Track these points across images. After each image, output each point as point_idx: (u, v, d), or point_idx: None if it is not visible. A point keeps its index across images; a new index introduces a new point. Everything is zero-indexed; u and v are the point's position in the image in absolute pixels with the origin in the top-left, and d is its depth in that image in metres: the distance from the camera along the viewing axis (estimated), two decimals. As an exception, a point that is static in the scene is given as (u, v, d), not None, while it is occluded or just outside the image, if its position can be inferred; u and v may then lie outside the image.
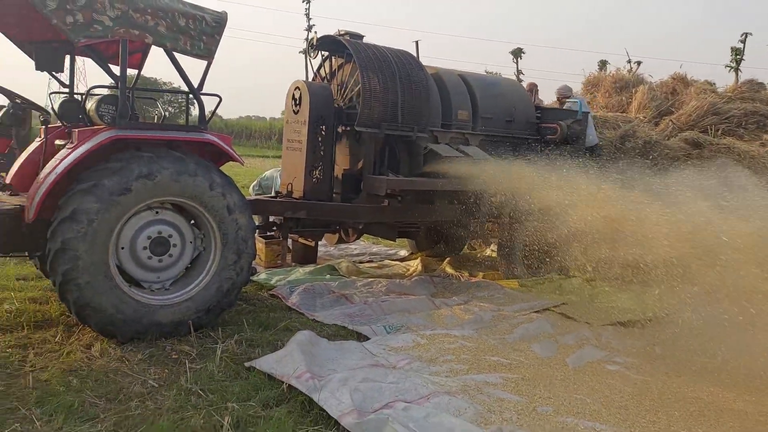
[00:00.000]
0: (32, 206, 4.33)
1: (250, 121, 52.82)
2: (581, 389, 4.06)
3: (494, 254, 8.80)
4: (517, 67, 50.58)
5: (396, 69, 6.22)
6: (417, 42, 7.20)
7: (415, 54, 6.80)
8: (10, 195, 4.93)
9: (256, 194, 7.87)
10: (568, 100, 8.13)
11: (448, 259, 7.88)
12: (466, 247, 8.78)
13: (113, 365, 4.08)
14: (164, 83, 39.37)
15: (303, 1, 43.57)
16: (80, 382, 3.77)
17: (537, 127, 7.46)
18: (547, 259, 7.17)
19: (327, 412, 3.46)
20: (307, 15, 43.86)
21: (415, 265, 7.80)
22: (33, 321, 4.89)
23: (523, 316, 5.64)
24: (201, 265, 4.94)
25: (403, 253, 8.83)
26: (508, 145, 7.09)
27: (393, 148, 6.53)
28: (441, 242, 8.35)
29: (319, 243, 7.53)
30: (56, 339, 4.52)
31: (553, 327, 5.38)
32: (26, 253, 5.34)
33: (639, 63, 19.45)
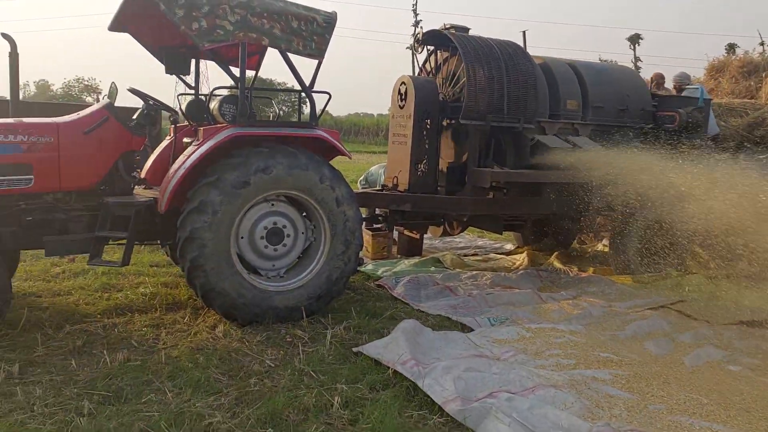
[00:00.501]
0: (164, 198, 4.76)
1: (359, 118, 54.03)
2: (699, 389, 3.86)
3: (606, 249, 8.50)
4: (635, 54, 47.94)
5: (501, 60, 6.17)
6: (524, 32, 7.10)
7: (522, 45, 6.70)
8: (144, 189, 5.42)
9: (362, 188, 8.10)
10: (687, 87, 7.66)
11: (556, 253, 7.70)
12: (575, 241, 8.52)
13: (234, 345, 4.41)
14: (279, 83, 41.19)
15: (410, -4, 43.82)
16: (206, 360, 4.10)
17: (653, 116, 7.09)
18: (664, 255, 6.81)
19: (431, 398, 3.54)
20: (414, 11, 44.07)
21: (522, 258, 7.69)
22: (165, 303, 5.37)
23: (636, 312, 5.42)
24: (312, 255, 5.20)
25: (509, 246, 8.73)
26: (621, 135, 6.80)
27: (498, 139, 6.48)
28: (548, 236, 8.16)
29: (425, 236, 7.64)
30: (185, 320, 4.95)
31: (669, 325, 5.13)
32: (158, 242, 5.87)
33: (774, 44, 17.74)
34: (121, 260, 4.76)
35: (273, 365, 4.08)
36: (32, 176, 4.60)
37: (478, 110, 6.04)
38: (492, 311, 5.41)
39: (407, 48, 44.04)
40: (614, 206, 6.55)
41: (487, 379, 3.77)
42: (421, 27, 7.41)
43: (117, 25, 5.44)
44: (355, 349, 4.35)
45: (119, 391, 3.60)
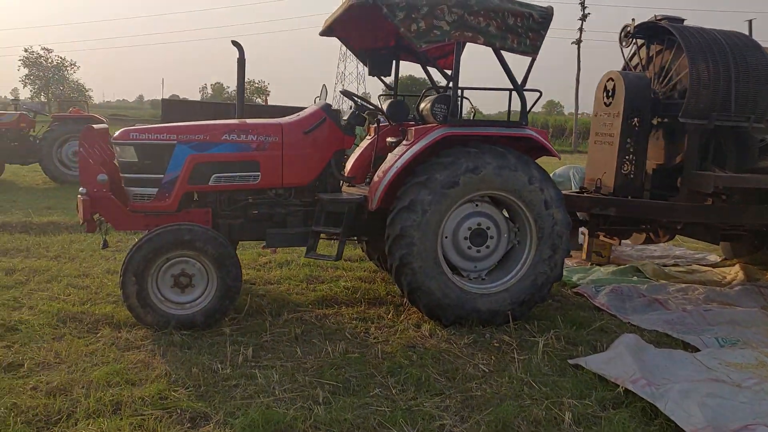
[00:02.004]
0: (375, 196, 4.87)
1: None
2: None
3: (835, 266, 7.40)
4: None
5: (728, 52, 5.55)
6: (750, 21, 6.35)
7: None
8: (350, 186, 5.62)
9: None
10: None
11: (775, 268, 6.84)
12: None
13: (443, 346, 4.39)
14: (422, 81, 41.38)
15: (577, -11, 42.04)
16: (419, 358, 4.13)
17: None
18: None
19: (674, 423, 3.24)
20: (582, 3, 42.15)
21: (734, 272, 6.92)
22: (366, 298, 5.53)
23: None
24: (515, 258, 5.05)
25: (714, 258, 7.90)
26: None
27: (719, 140, 5.85)
28: (765, 248, 7.26)
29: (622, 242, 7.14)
30: (389, 316, 5.04)
31: None
32: (356, 237, 6.06)
33: None
34: (336, 254, 4.97)
35: (487, 371, 3.99)
36: (259, 173, 4.94)
37: (701, 108, 5.49)
38: (715, 330, 4.90)
39: (573, 43, 42.23)
40: None
41: (737, 409, 3.37)
42: (633, 19, 6.94)
43: (329, 31, 5.69)
44: (571, 361, 4.13)
45: (347, 383, 3.72)
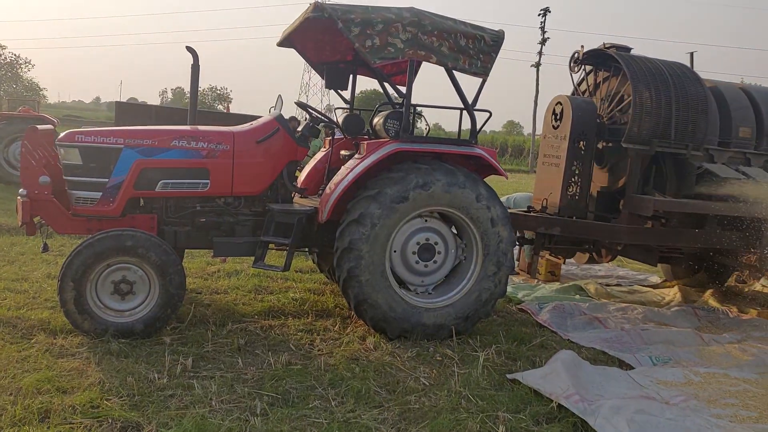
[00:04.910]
0: (326, 209, 4.89)
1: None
2: None
3: (766, 289, 7.75)
4: (786, 78, 44.02)
5: (670, 82, 5.81)
6: (692, 53, 6.66)
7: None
8: (301, 197, 5.62)
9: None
10: None
11: (710, 290, 7.12)
12: (731, 278, 7.83)
13: (386, 359, 4.42)
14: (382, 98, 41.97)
15: (539, 15, 43.22)
16: (362, 371, 4.14)
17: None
18: None
19: (603, 439, 3.34)
20: (542, 28, 43.35)
21: (672, 293, 7.18)
22: (314, 310, 5.52)
23: (818, 366, 4.85)
24: (461, 274, 5.13)
25: (655, 279, 8.18)
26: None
27: (660, 166, 6.10)
28: (702, 271, 7.57)
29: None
30: (335, 328, 5.05)
31: None
32: (307, 249, 6.06)
33: None
34: (284, 265, 4.95)
35: (428, 384, 4.04)
36: (208, 180, 4.91)
37: (643, 134, 5.72)
38: (650, 349, 5.07)
39: (532, 66, 43.31)
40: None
41: (662, 425, 3.50)
42: (582, 46, 7.21)
43: (286, 42, 5.71)
44: (509, 376, 4.21)
45: (286, 394, 3.71)
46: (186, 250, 6.36)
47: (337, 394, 3.77)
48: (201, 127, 5.10)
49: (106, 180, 4.64)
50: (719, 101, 6.15)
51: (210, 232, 5.07)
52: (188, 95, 5.63)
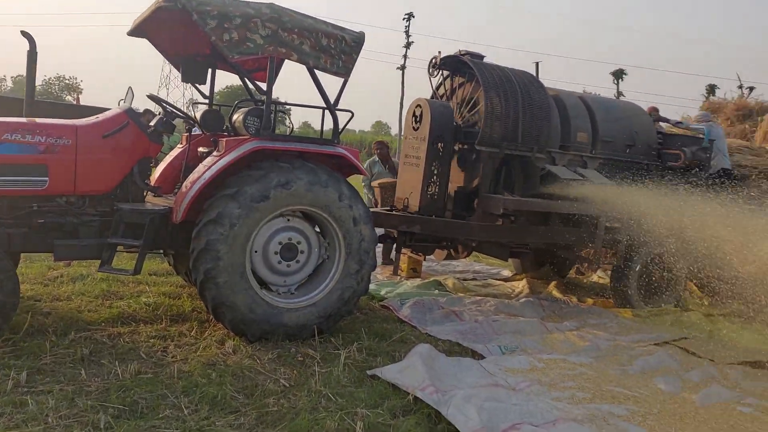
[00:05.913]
0: (181, 208, 4.67)
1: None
2: (714, 430, 3.88)
3: (601, 280, 8.58)
4: (618, 89, 49.04)
5: (518, 89, 6.23)
6: (537, 63, 7.20)
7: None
8: (155, 197, 5.33)
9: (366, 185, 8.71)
10: (698, 125, 7.98)
11: (554, 282, 7.74)
12: (572, 271, 8.58)
13: (246, 362, 4.32)
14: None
15: (403, 19, 44.50)
16: (219, 376, 4.01)
17: (659, 153, 7.22)
18: (665, 290, 6.89)
19: (454, 427, 3.50)
20: (407, 32, 44.68)
21: (521, 286, 7.72)
22: (169, 314, 5.26)
23: (641, 347, 5.45)
24: (324, 273, 5.13)
25: (506, 273, 8.75)
26: (627, 169, 6.90)
27: (509, 167, 6.52)
28: (547, 264, 8.22)
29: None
30: (192, 333, 4.84)
31: (675, 361, 5.16)
32: (162, 251, 5.76)
33: (752, 89, 18.13)
34: (134, 269, 4.66)
35: (288, 385, 4.00)
36: (47, 178, 4.50)
37: (493, 137, 6.08)
38: (500, 339, 5.40)
39: (398, 68, 44.50)
40: (618, 239, 6.63)
41: (508, 410, 3.74)
42: (439, 52, 7.50)
43: (138, 32, 5.37)
44: (369, 372, 4.29)
45: (134, 405, 3.49)
46: (23, 254, 5.80)
47: (190, 402, 3.61)
48: (39, 120, 4.65)
49: None
50: (560, 108, 6.70)
51: (50, 233, 4.64)
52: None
